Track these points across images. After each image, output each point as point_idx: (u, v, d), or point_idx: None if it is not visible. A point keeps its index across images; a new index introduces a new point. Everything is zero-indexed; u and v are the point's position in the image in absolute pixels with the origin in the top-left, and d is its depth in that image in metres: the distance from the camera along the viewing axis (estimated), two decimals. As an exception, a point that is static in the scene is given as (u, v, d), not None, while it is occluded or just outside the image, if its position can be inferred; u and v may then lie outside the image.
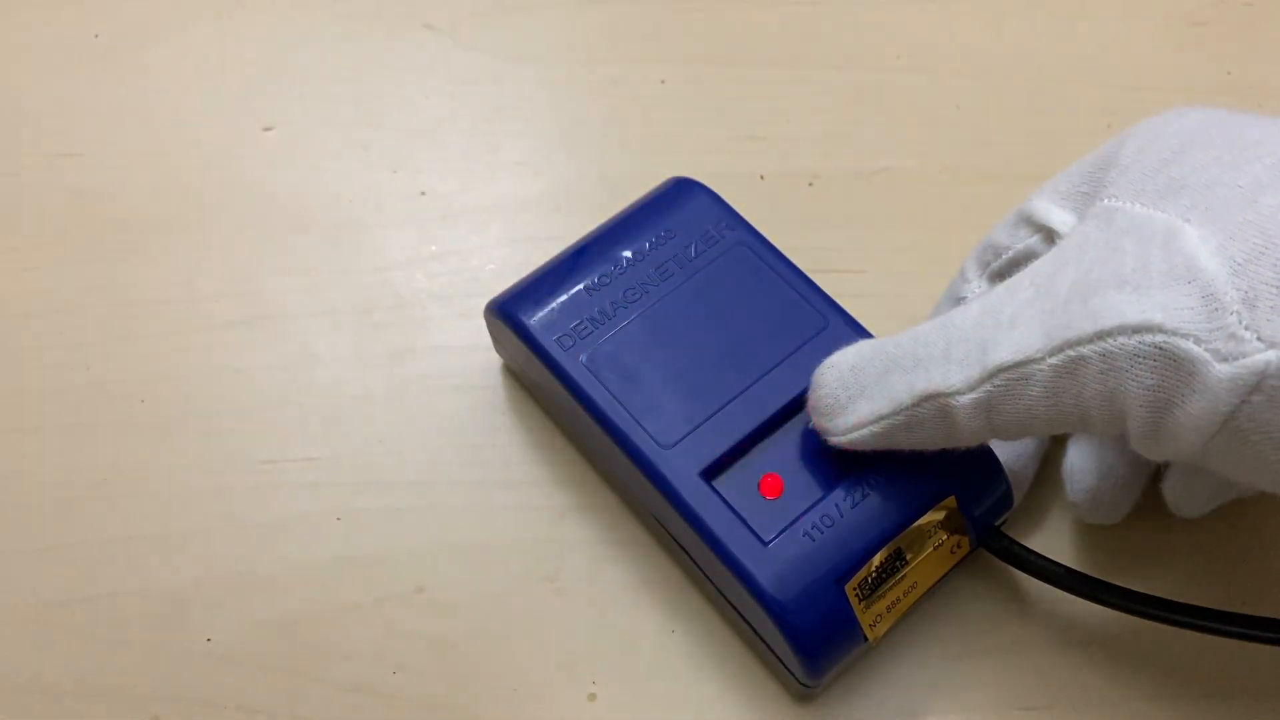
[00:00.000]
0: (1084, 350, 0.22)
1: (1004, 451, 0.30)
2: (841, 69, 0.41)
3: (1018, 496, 0.30)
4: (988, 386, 0.23)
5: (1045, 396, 0.23)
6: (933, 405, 0.24)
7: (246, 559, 0.31)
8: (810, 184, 0.38)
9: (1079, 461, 0.29)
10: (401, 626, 0.31)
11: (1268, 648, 0.27)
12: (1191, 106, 0.25)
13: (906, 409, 0.25)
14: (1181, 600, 0.26)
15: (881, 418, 0.25)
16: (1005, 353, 0.23)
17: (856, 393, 0.26)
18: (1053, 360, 0.22)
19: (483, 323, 0.33)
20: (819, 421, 0.27)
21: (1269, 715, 0.29)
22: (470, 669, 0.30)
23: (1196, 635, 0.26)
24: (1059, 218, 0.27)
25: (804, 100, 0.40)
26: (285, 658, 0.30)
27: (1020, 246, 0.28)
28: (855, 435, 0.26)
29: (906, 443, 0.26)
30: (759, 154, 0.39)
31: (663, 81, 0.41)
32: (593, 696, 0.30)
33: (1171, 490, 0.28)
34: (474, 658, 0.30)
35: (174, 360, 0.35)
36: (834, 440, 0.27)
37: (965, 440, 0.25)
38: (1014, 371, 0.23)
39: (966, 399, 0.24)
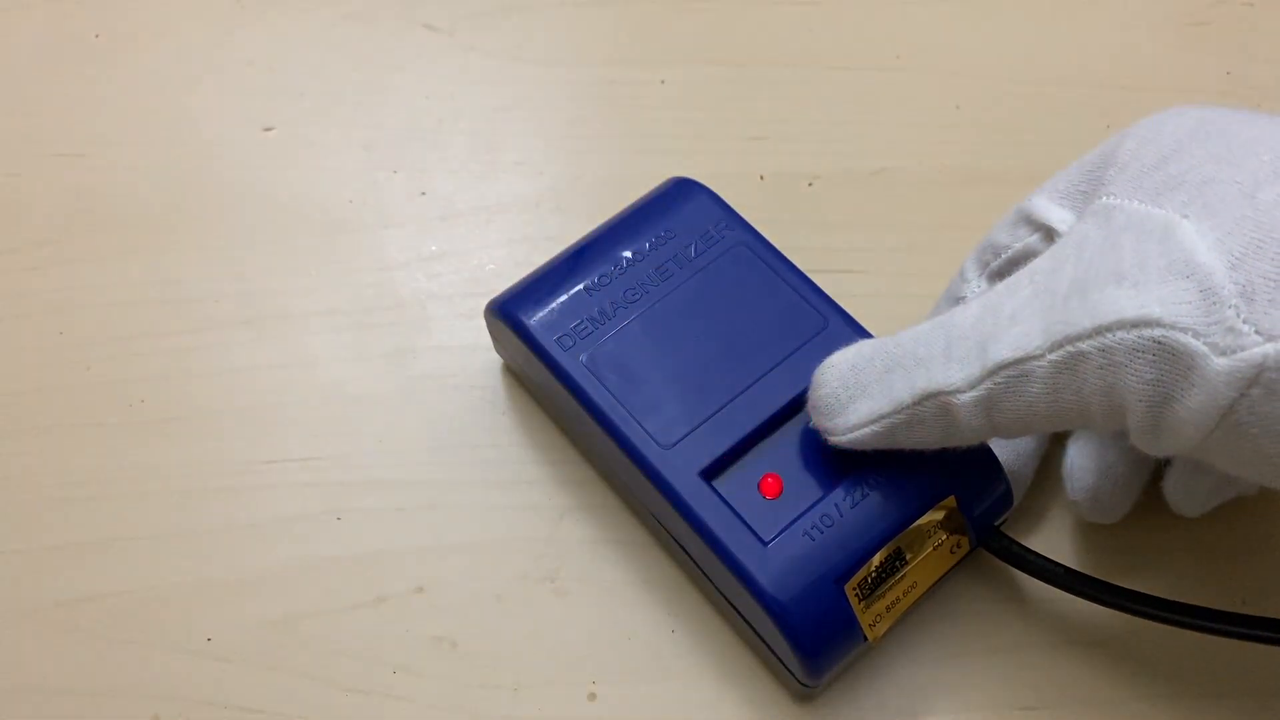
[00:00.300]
0: (1083, 346, 0.22)
1: (1003, 451, 0.30)
2: (841, 69, 0.41)
3: (1017, 496, 0.30)
4: (988, 384, 0.23)
5: (1046, 393, 0.23)
6: (934, 404, 0.24)
7: (246, 559, 0.32)
8: (810, 184, 0.38)
9: (1079, 460, 0.29)
10: (401, 626, 0.31)
11: (1268, 648, 0.27)
12: (1190, 105, 0.25)
13: (908, 408, 0.25)
14: (1181, 600, 0.26)
15: (882, 417, 0.25)
16: (1005, 350, 0.23)
17: (857, 392, 0.26)
18: (1052, 356, 0.22)
19: (483, 323, 0.33)
20: (819, 421, 0.27)
21: (1269, 715, 0.29)
22: (470, 669, 0.30)
23: (1196, 635, 0.26)
24: (1058, 216, 0.27)
25: (804, 100, 0.40)
26: (285, 658, 0.30)
27: (1020, 245, 0.28)
28: (856, 434, 0.26)
29: (907, 442, 0.26)
30: (759, 154, 0.39)
31: (663, 81, 0.41)
32: (593, 696, 0.30)
33: (1172, 488, 0.28)
34: (474, 658, 0.30)
35: (174, 360, 0.35)
36: (834, 440, 0.27)
37: (966, 439, 0.25)
38: (1014, 368, 0.23)
39: (967, 397, 0.24)
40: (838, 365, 0.27)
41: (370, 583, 0.31)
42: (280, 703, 0.30)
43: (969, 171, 0.38)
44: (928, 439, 0.26)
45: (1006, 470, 0.29)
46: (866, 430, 0.26)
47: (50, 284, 0.36)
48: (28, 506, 0.32)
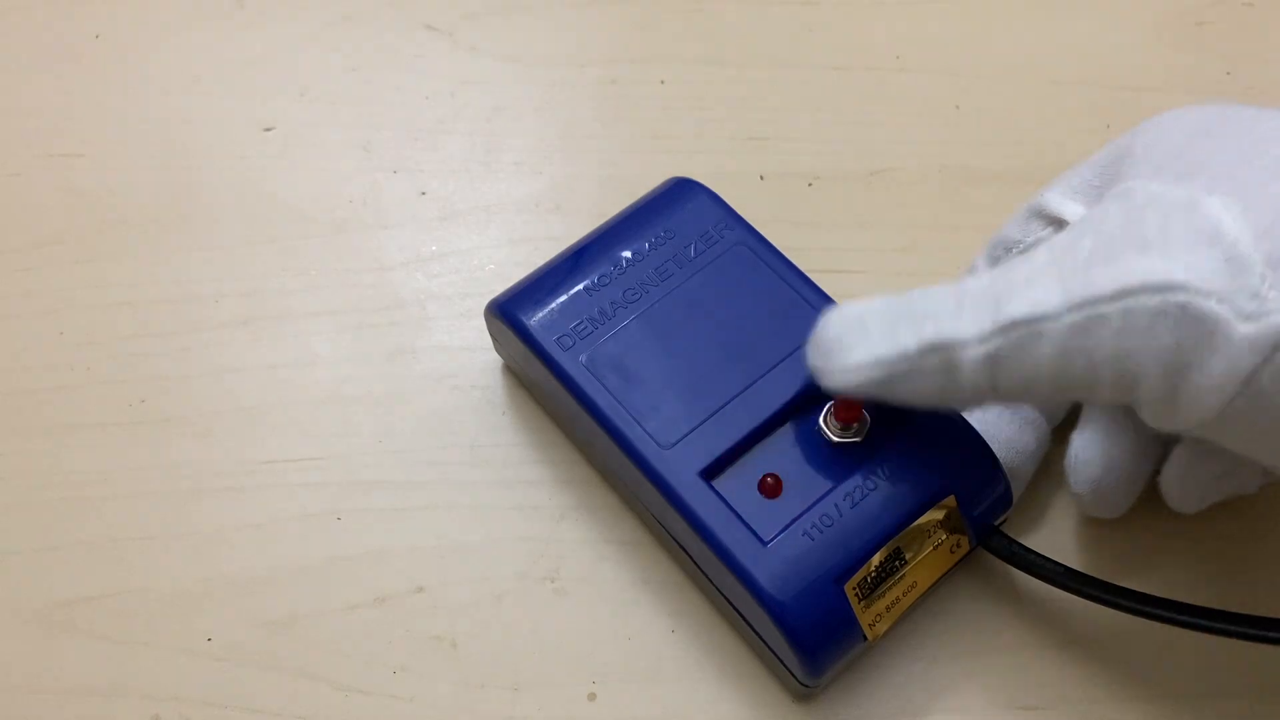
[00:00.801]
0: (1104, 309, 0.22)
1: (1003, 450, 0.30)
2: (841, 69, 0.41)
3: (1016, 494, 0.30)
4: (998, 340, 0.23)
5: (1055, 355, 0.22)
6: (939, 357, 0.24)
7: (246, 559, 0.32)
8: (810, 184, 0.38)
9: (1083, 453, 0.29)
10: (401, 626, 0.31)
11: (1268, 648, 0.27)
12: (1197, 105, 0.25)
13: (912, 356, 0.24)
14: (1181, 600, 0.26)
15: (884, 362, 0.25)
16: (1021, 306, 0.23)
17: (862, 337, 0.25)
18: (1070, 318, 0.22)
19: (483, 323, 0.33)
20: (817, 361, 0.26)
21: (1269, 715, 0.29)
22: (470, 669, 0.30)
23: (1196, 635, 0.26)
24: (1072, 210, 0.27)
25: (804, 100, 0.40)
26: (285, 658, 0.30)
27: (1032, 240, 0.28)
28: (853, 377, 0.25)
29: (903, 394, 0.25)
30: (759, 154, 0.39)
31: (663, 81, 0.41)
32: (593, 696, 0.30)
33: (1170, 481, 0.28)
34: (474, 658, 0.30)
35: (174, 360, 0.35)
36: (829, 382, 0.26)
37: (964, 399, 0.25)
38: (1027, 327, 0.23)
39: (975, 352, 0.23)
40: (845, 311, 0.26)
41: (370, 583, 0.31)
42: (280, 703, 0.30)
43: (969, 171, 0.38)
44: (925, 394, 0.25)
45: (1006, 469, 0.29)
46: (865, 375, 0.25)
47: (50, 284, 0.36)
48: (28, 506, 0.32)
